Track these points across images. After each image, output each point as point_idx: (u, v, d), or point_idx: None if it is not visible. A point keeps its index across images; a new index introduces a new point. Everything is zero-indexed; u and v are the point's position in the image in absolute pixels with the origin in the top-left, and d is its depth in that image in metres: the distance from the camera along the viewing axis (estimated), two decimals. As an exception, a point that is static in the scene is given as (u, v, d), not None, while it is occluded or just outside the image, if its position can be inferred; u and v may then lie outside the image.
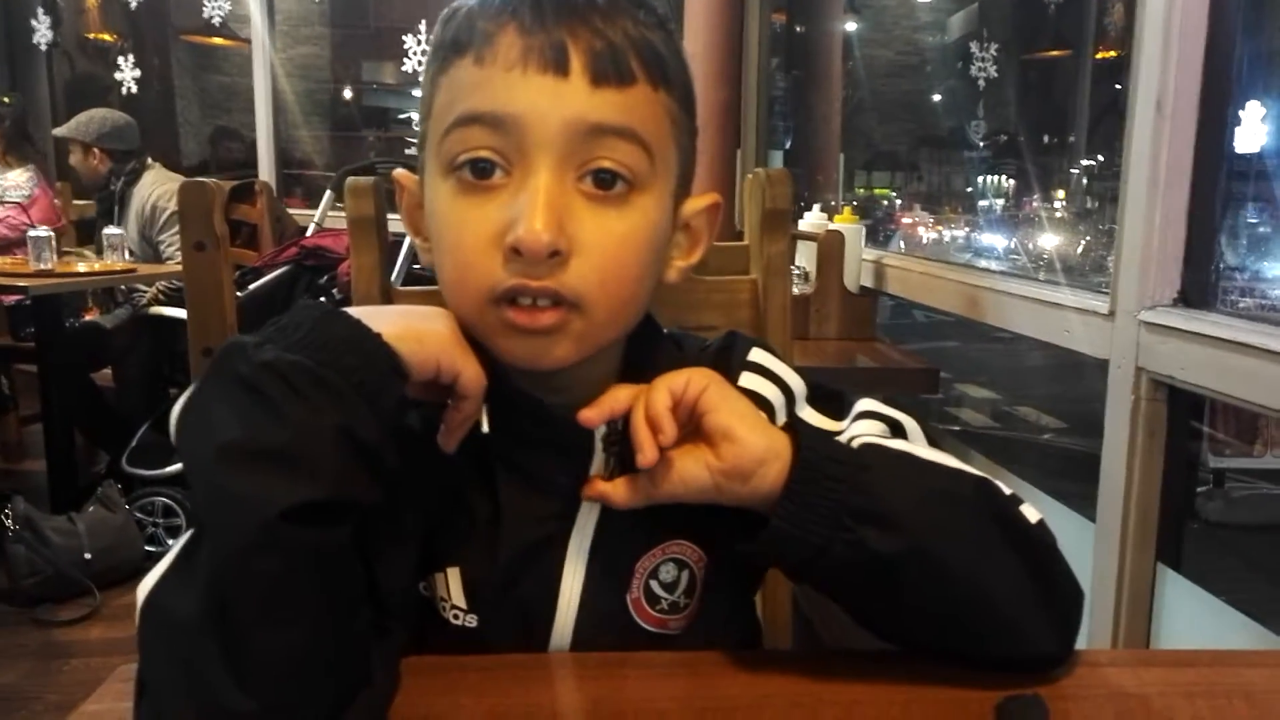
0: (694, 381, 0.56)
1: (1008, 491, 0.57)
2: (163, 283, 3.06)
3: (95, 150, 3.30)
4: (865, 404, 0.64)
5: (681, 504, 0.58)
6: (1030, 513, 0.57)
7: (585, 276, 0.54)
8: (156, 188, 3.29)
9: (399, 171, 0.63)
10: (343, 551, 0.47)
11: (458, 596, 0.60)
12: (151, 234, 3.30)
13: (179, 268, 3.12)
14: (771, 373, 0.65)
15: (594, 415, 0.56)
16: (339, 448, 0.46)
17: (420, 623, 0.60)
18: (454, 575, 0.60)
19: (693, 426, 0.56)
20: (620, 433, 0.58)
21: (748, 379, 0.64)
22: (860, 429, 0.61)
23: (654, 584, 0.61)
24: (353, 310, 0.51)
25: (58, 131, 3.41)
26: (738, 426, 0.55)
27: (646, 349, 0.62)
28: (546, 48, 0.53)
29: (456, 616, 0.60)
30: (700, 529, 0.62)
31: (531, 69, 0.53)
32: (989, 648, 0.55)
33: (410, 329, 0.52)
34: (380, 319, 0.51)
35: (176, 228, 3.23)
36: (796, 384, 0.65)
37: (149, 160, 3.41)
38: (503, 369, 0.57)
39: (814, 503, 0.53)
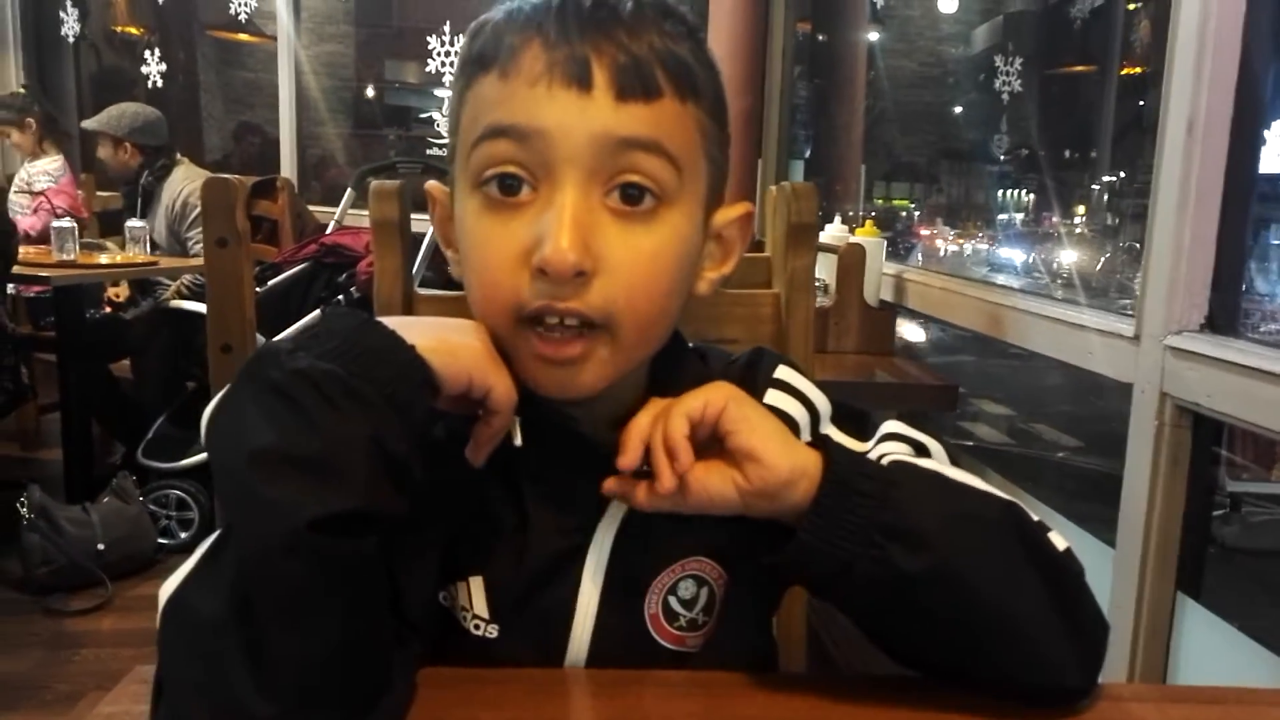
0: (712, 402, 0.55)
1: (1035, 518, 0.56)
2: (187, 277, 3.07)
3: (126, 144, 3.33)
4: (890, 426, 0.64)
5: (703, 520, 0.57)
6: (1058, 540, 0.56)
7: (612, 296, 0.53)
8: (187, 184, 3.30)
9: (431, 184, 0.63)
10: (368, 561, 0.47)
11: (480, 607, 0.59)
12: (180, 229, 3.31)
13: (192, 261, 3.14)
14: (797, 391, 0.64)
15: (627, 461, 0.56)
16: (369, 459, 0.46)
17: (440, 633, 0.59)
18: (476, 585, 0.59)
19: (718, 446, 0.56)
20: (647, 450, 0.57)
21: (773, 396, 0.63)
22: (885, 450, 0.61)
23: (672, 600, 0.61)
24: (387, 320, 0.51)
25: (87, 124, 3.44)
26: (761, 448, 0.54)
27: (672, 364, 0.62)
28: (570, 62, 0.52)
29: (478, 627, 0.59)
30: (721, 547, 0.61)
31: (556, 84, 0.52)
32: (1009, 674, 0.54)
33: (443, 342, 0.52)
34: (414, 330, 0.51)
35: None
36: (821, 403, 0.64)
37: (178, 156, 3.43)
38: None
39: (842, 518, 0.52)
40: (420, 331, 0.51)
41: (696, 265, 0.60)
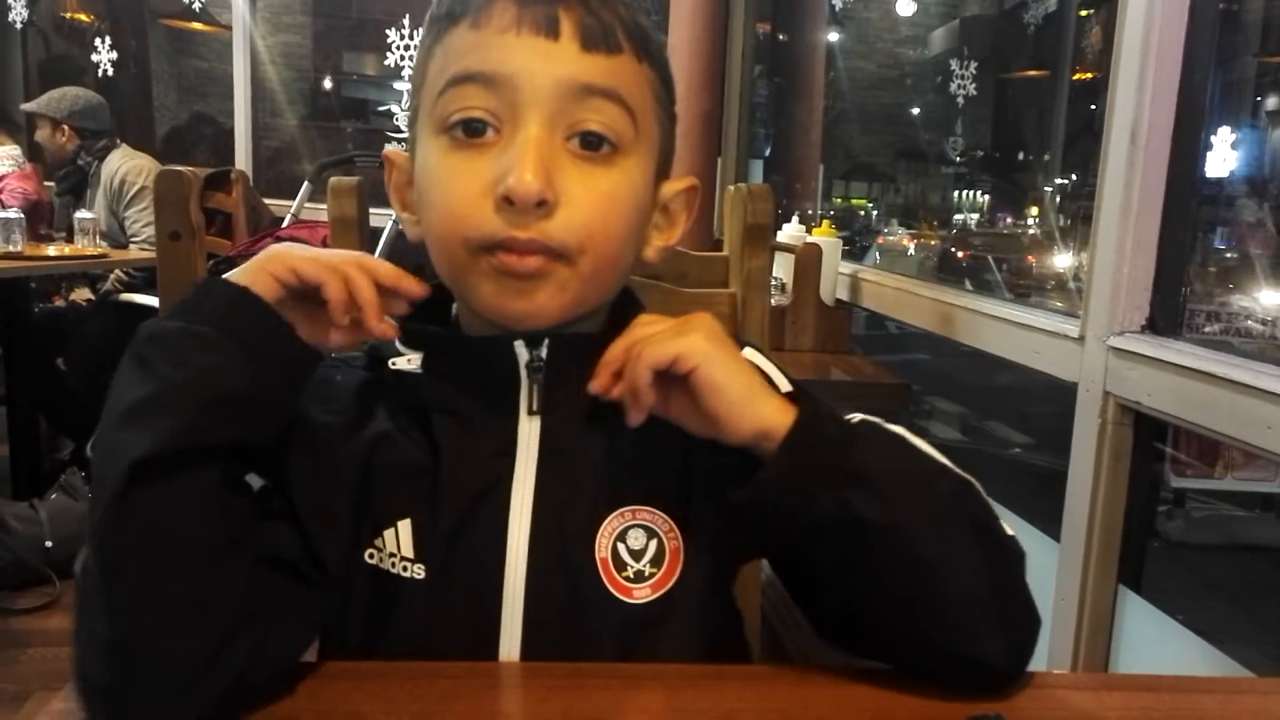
0: (683, 358, 0.55)
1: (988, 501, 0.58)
2: (118, 270, 3.03)
3: (65, 128, 3.28)
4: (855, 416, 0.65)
5: (648, 464, 0.60)
6: (1005, 528, 0.58)
7: (572, 228, 0.56)
8: (125, 163, 3.28)
9: (390, 149, 0.65)
10: (216, 494, 0.50)
11: (406, 548, 0.59)
12: (119, 209, 3.27)
13: (144, 254, 3.09)
14: (758, 368, 0.66)
15: (596, 387, 0.57)
16: (197, 396, 0.49)
17: (373, 591, 0.60)
18: (405, 527, 0.60)
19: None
20: (544, 360, 0.60)
21: None
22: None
23: (621, 548, 0.61)
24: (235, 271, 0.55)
25: (27, 106, 3.39)
26: (725, 415, 0.55)
27: (627, 320, 0.62)
28: (540, 15, 0.56)
29: (405, 569, 0.59)
30: (672, 500, 0.62)
31: (525, 30, 0.56)
32: (939, 644, 0.55)
33: (262, 264, 0.56)
34: (245, 274, 0.55)
35: (144, 204, 3.22)
36: (781, 382, 0.66)
37: (117, 140, 3.39)
38: (433, 305, 0.60)
39: (810, 458, 0.54)
40: (249, 273, 0.55)
41: (646, 229, 0.63)
